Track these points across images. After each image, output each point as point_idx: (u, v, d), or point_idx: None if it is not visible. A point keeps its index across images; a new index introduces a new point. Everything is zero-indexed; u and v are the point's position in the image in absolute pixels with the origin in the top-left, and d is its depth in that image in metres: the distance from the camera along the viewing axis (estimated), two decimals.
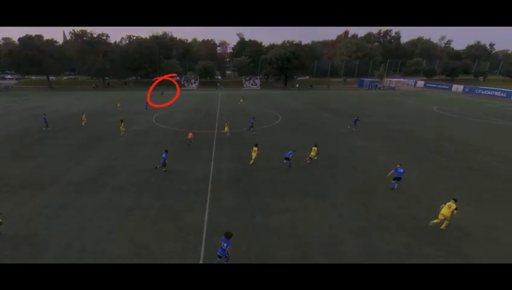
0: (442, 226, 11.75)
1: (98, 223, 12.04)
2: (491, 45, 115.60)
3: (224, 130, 26.13)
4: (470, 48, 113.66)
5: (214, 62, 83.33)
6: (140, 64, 72.32)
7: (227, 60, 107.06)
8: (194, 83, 77.64)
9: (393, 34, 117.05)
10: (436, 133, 26.89)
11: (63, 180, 16.17)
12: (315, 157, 19.01)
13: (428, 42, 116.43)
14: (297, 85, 73.15)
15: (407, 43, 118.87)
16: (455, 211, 11.41)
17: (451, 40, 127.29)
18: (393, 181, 15.10)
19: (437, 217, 11.75)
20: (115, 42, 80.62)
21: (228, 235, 9.22)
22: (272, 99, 52.13)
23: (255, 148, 18.65)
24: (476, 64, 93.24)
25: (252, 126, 27.36)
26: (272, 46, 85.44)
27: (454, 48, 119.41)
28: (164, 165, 17.37)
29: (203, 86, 76.67)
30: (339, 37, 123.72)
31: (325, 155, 20.53)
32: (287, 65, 69.09)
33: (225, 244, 9.22)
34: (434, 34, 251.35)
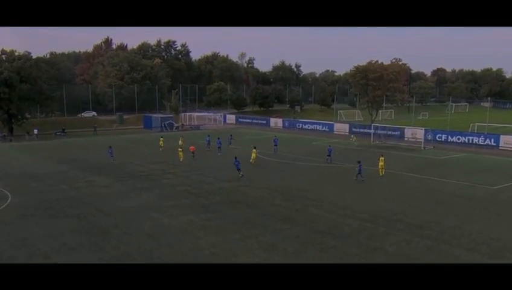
0: (382, 174, 38.18)
1: None
2: (298, 66, 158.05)
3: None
4: (276, 69, 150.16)
5: None
6: None
7: None
8: None
9: (179, 48, 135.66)
10: (266, 189, 33.20)
11: None
12: None
13: (226, 60, 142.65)
14: (35, 131, 69.48)
15: (200, 60, 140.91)
16: (384, 161, 38.83)
17: (254, 59, 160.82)
18: None
19: (381, 171, 38.13)
20: None
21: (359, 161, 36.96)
22: None
23: (254, 150, 42.01)
24: (289, 90, 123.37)
25: None
26: None
27: (260, 70, 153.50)
28: (239, 170, 37.30)
29: None
30: (97, 47, 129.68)
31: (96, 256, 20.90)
32: (8, 94, 65.90)
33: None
34: (231, 51, 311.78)
